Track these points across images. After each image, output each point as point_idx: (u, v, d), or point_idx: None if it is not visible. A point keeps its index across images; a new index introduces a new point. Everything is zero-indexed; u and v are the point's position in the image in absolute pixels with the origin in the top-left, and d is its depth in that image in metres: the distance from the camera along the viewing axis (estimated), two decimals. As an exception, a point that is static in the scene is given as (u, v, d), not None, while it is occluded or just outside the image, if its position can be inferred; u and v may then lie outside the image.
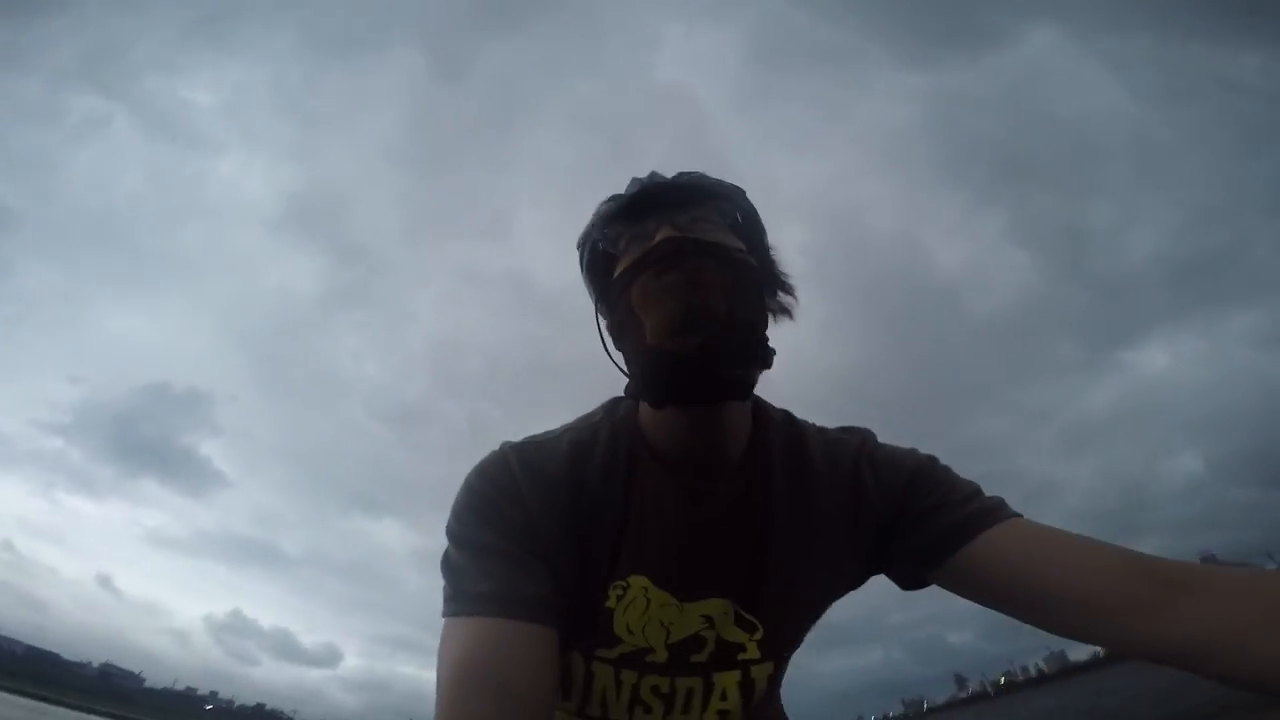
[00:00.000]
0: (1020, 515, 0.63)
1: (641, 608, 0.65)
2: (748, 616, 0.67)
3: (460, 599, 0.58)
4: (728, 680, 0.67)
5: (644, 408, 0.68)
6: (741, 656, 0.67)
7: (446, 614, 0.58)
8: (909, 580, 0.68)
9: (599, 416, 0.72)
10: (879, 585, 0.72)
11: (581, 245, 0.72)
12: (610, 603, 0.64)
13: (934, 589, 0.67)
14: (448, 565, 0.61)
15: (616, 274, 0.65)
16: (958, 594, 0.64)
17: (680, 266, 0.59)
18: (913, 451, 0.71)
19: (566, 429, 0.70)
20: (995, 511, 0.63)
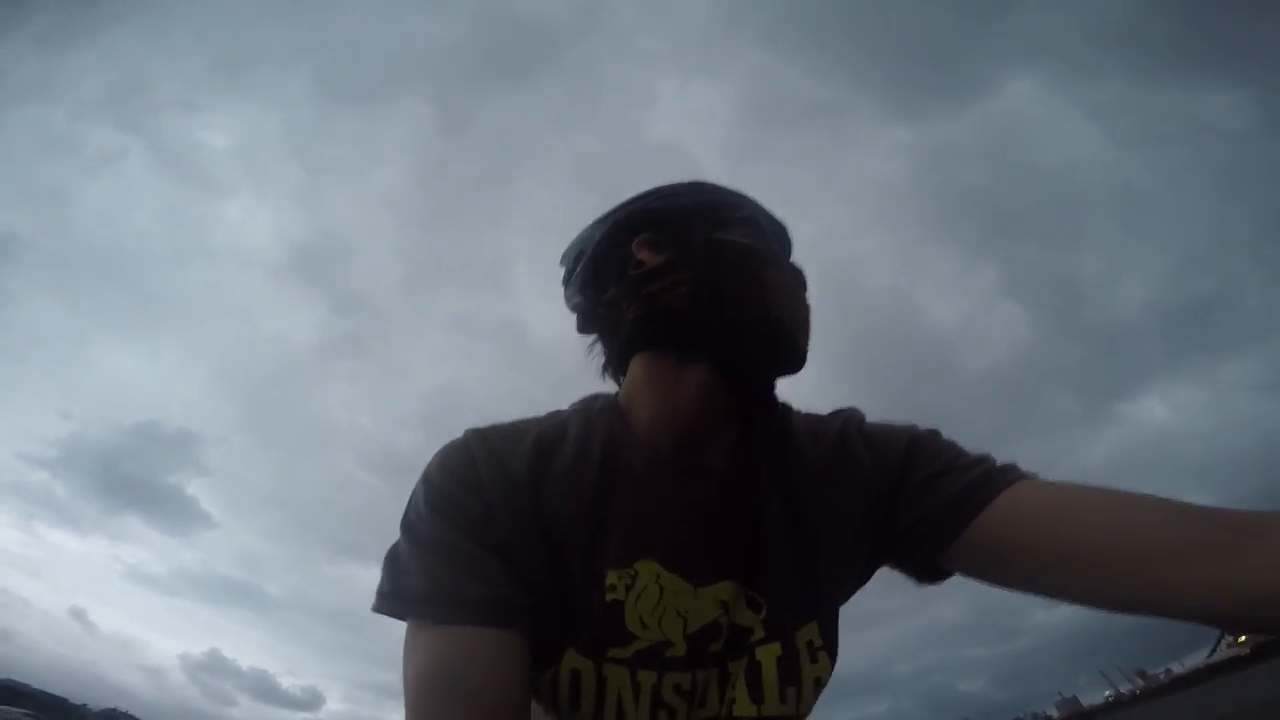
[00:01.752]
0: (1034, 475, 0.58)
1: (655, 597, 0.59)
2: (756, 596, 0.62)
3: (402, 598, 0.54)
4: (739, 668, 0.61)
5: (638, 376, 0.66)
6: (750, 639, 0.61)
7: (384, 611, 0.55)
8: (923, 568, 0.62)
9: (570, 410, 0.69)
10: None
11: (709, 185, 0.72)
12: (618, 594, 0.58)
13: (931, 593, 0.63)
14: (394, 559, 0.57)
15: (749, 238, 0.66)
16: (977, 576, 0.58)
17: (805, 295, 0.68)
18: (911, 424, 0.68)
19: (536, 421, 0.67)
20: (1006, 473, 0.58)
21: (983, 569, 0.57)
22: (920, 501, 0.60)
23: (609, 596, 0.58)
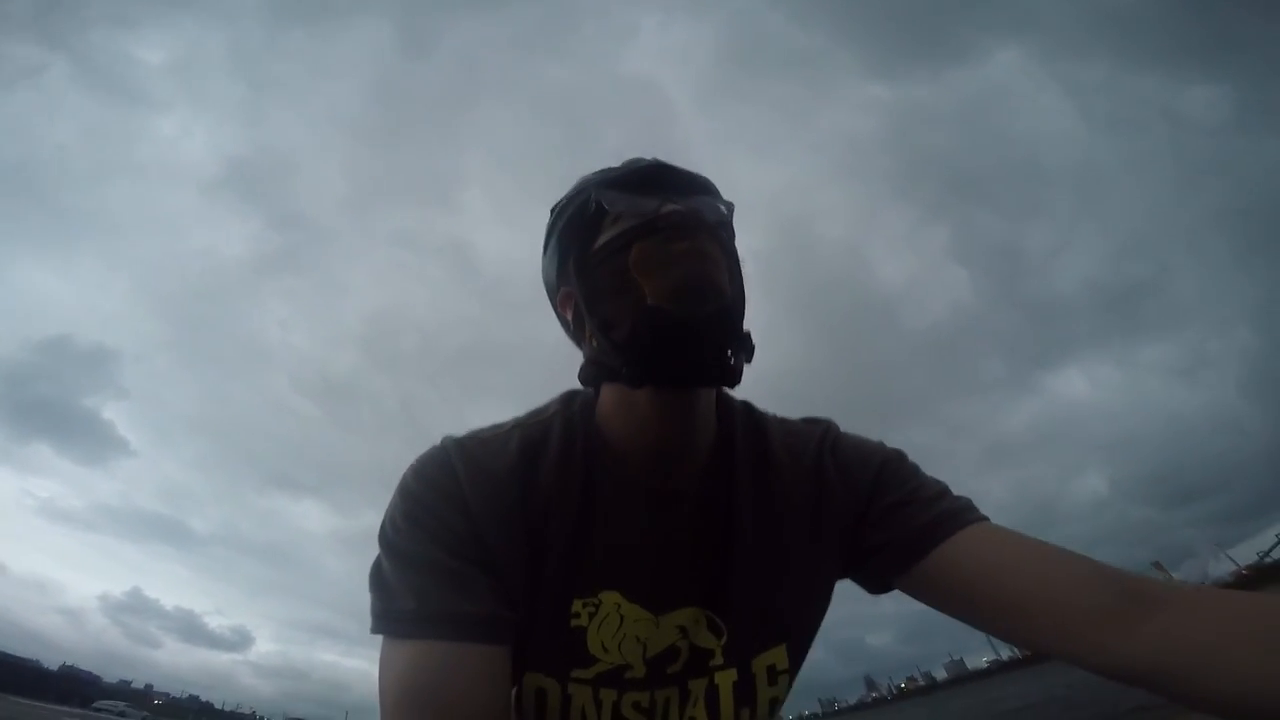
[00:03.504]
0: (988, 518, 0.62)
1: (615, 625, 0.61)
2: (718, 621, 0.64)
3: (394, 618, 0.54)
4: (699, 687, 0.64)
5: (605, 399, 0.64)
6: (710, 663, 0.64)
7: (381, 632, 0.54)
8: (875, 583, 0.66)
9: (551, 410, 0.67)
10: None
11: (565, 204, 0.67)
12: (581, 621, 0.61)
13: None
14: (379, 577, 0.56)
15: (612, 234, 0.61)
16: (921, 599, 0.62)
17: (693, 238, 0.58)
18: (880, 444, 0.70)
19: (516, 424, 0.65)
20: (964, 513, 0.61)
21: (927, 596, 0.61)
22: (883, 527, 0.63)
23: (573, 623, 0.61)
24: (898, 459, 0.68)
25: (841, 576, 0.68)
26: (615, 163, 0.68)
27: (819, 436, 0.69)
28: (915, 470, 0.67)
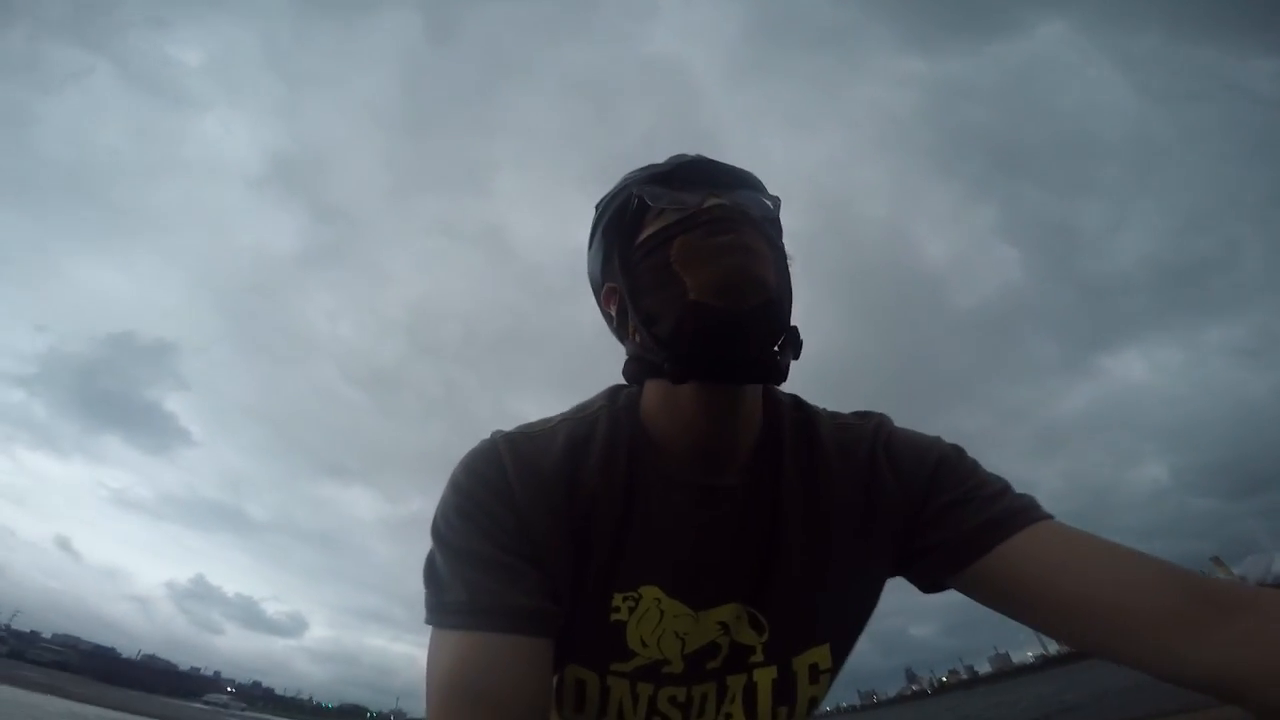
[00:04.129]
0: (1052, 516, 0.59)
1: (655, 620, 0.62)
2: (760, 618, 0.64)
3: (447, 610, 0.55)
4: (738, 683, 0.64)
5: (649, 395, 0.65)
6: (750, 660, 0.64)
7: (433, 623, 0.56)
8: (929, 583, 0.64)
9: (597, 405, 0.67)
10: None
11: (609, 200, 0.68)
12: (621, 615, 0.62)
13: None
14: (433, 571, 0.59)
15: (655, 229, 0.61)
16: (977, 599, 0.60)
17: (737, 231, 0.57)
18: (936, 440, 0.67)
19: (563, 419, 0.66)
20: (1027, 512, 0.59)
21: (984, 595, 0.59)
22: (940, 526, 0.61)
23: (613, 617, 0.62)
24: (955, 455, 0.66)
25: (893, 575, 0.67)
26: (655, 156, 0.68)
27: (871, 432, 0.67)
28: (974, 466, 0.65)
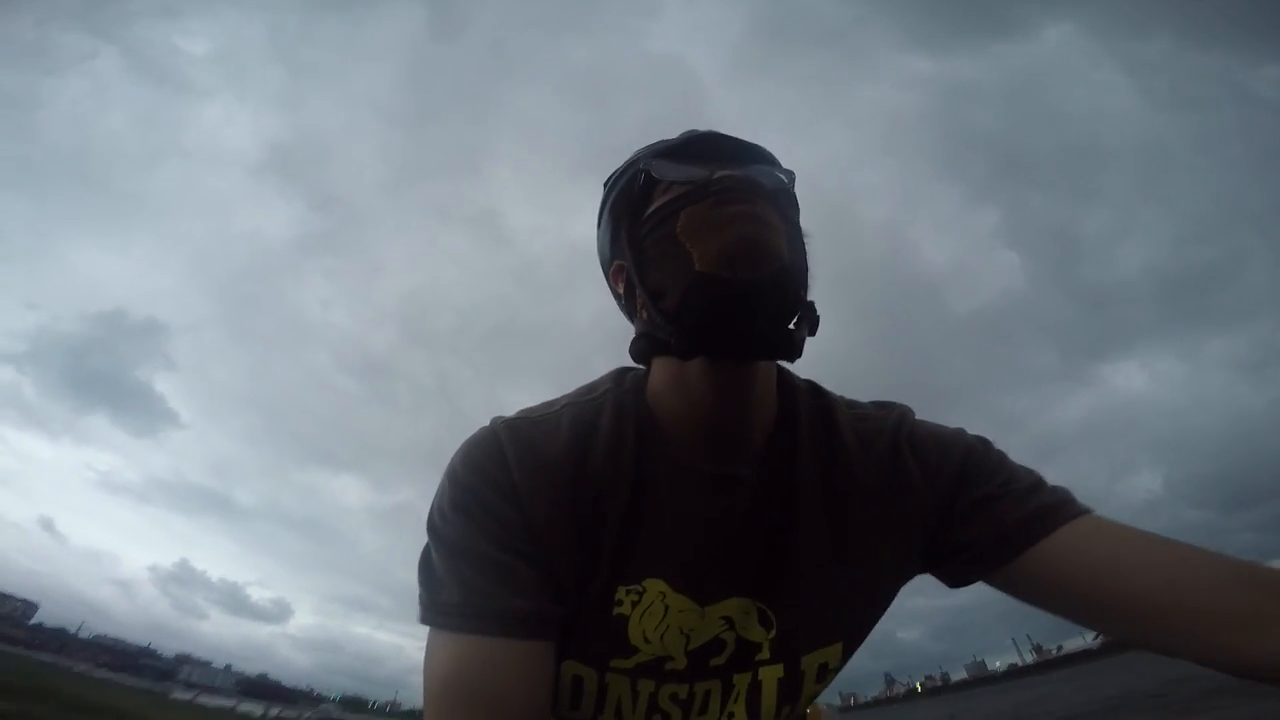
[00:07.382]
0: (1091, 510, 0.57)
1: (659, 615, 0.59)
2: (769, 613, 0.61)
3: (442, 610, 0.53)
4: (743, 681, 0.62)
5: (657, 376, 0.62)
6: (756, 657, 0.61)
7: (427, 623, 0.54)
8: (957, 579, 0.62)
9: (603, 388, 0.65)
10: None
11: (618, 176, 0.66)
12: (624, 609, 0.59)
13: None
14: (428, 568, 0.56)
15: (662, 202, 0.58)
16: (1013, 595, 0.58)
17: (747, 201, 0.54)
18: (960, 431, 0.65)
19: (568, 403, 0.63)
20: (1065, 506, 0.57)
21: (1023, 592, 0.57)
22: (972, 523, 0.59)
23: (615, 611, 0.59)
24: (983, 447, 0.63)
25: (919, 572, 0.65)
26: (664, 136, 0.66)
27: (894, 423, 0.64)
28: (1003, 459, 0.63)
